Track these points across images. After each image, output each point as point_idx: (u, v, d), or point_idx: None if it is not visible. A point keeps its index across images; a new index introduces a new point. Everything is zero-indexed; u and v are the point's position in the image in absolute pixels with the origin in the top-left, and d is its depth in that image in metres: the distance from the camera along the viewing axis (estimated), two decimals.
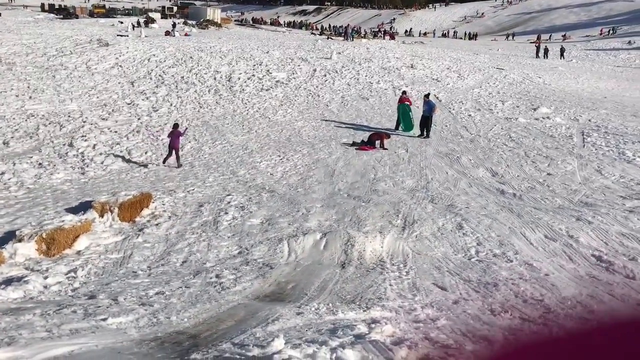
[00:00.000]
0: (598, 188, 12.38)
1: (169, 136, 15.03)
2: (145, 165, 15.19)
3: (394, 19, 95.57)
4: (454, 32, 77.61)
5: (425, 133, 17.93)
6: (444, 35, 75.14)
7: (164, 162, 14.99)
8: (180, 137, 14.98)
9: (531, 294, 6.89)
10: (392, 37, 59.63)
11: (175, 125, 15.40)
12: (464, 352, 4.90)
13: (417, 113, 18.56)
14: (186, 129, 16.43)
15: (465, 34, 73.76)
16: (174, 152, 14.78)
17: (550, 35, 66.12)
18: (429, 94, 19.47)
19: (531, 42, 47.99)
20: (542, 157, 15.28)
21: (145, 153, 16.24)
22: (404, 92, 20.05)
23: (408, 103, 18.91)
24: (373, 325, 5.66)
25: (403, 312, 6.36)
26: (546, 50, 45.18)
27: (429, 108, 17.98)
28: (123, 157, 15.70)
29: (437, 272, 7.95)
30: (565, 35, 65.22)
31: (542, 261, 8.18)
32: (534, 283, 7.30)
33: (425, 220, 10.27)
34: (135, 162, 15.49)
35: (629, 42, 54.34)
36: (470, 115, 21.58)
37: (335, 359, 4.30)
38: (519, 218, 10.16)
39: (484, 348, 5.07)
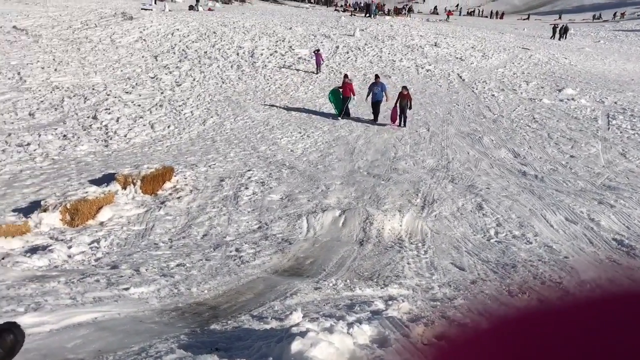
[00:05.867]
0: (622, 171, 12.22)
1: (316, 56, 24.40)
2: (313, 72, 24.20)
3: None
4: (480, 10, 76.23)
5: (374, 118, 17.30)
6: (469, 14, 73.89)
7: (316, 72, 24.21)
8: (322, 57, 24.57)
9: (550, 276, 6.89)
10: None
11: (318, 50, 24.85)
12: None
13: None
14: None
15: (492, 12, 72.43)
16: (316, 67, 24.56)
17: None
18: (377, 75, 18.70)
19: (551, 24, 46.41)
20: (566, 139, 15.09)
21: (168, 127, 16.34)
22: (346, 76, 19.00)
23: (349, 88, 18.03)
24: (390, 302, 5.72)
25: (420, 291, 6.41)
26: (562, 31, 43.25)
27: (380, 91, 17.30)
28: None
29: (455, 252, 7.97)
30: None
31: (561, 244, 8.15)
32: (552, 265, 7.29)
33: (444, 200, 10.26)
34: (303, 70, 24.71)
35: None
36: (493, 95, 21.33)
37: (352, 333, 4.36)
38: (540, 200, 10.10)
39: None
